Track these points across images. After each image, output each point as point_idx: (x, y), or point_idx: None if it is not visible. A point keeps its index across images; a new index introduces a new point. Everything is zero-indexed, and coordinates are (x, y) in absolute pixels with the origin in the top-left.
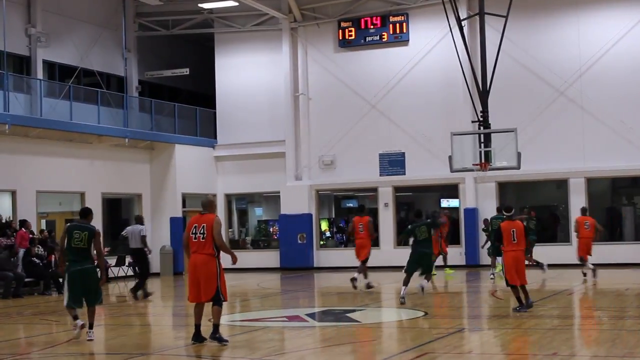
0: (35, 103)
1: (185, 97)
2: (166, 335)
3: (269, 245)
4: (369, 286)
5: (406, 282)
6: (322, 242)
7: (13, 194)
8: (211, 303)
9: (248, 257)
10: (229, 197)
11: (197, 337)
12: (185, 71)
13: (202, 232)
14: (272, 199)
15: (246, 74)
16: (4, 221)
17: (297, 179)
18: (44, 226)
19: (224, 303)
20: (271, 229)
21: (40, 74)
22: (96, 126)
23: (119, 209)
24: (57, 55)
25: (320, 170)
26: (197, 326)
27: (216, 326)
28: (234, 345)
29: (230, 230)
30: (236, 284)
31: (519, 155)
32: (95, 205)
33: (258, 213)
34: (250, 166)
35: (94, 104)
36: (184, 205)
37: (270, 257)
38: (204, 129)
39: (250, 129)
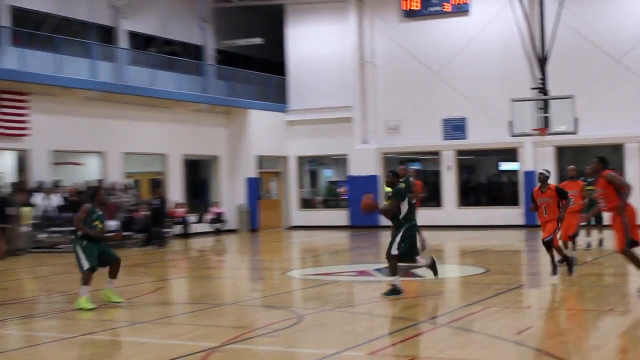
0: (120, 71)
1: (258, 65)
2: (243, 287)
3: (337, 204)
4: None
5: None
6: (386, 202)
7: (102, 155)
8: None
9: (319, 216)
10: (300, 159)
11: None
12: (259, 40)
13: None
14: (340, 161)
15: (315, 43)
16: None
17: (364, 143)
18: (131, 184)
19: None
20: (339, 190)
21: (124, 43)
22: (176, 92)
23: (198, 170)
24: (139, 25)
25: (386, 134)
26: None
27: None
28: (307, 297)
29: (301, 190)
30: (308, 241)
31: (576, 120)
32: (176, 166)
33: (327, 174)
34: (320, 130)
35: (173, 71)
36: (258, 166)
37: (339, 216)
38: (276, 95)
39: (319, 95)
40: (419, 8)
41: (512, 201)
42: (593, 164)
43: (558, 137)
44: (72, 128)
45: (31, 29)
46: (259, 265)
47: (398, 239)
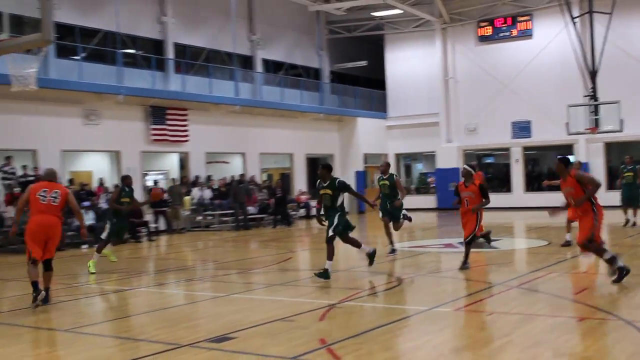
0: (257, 90)
1: (363, 82)
2: (353, 257)
3: (427, 191)
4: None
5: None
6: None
7: (243, 155)
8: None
9: (412, 200)
10: (397, 156)
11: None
12: (364, 63)
13: (54, 196)
14: (429, 157)
15: (409, 64)
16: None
17: (448, 142)
18: (265, 178)
19: None
20: (429, 179)
21: (259, 68)
22: (300, 105)
23: (318, 166)
24: (271, 54)
25: (466, 135)
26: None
27: (47, 289)
28: (404, 265)
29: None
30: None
31: (621, 121)
32: (300, 163)
33: (419, 167)
34: (413, 132)
35: (297, 89)
36: (365, 162)
37: (428, 200)
38: (378, 105)
39: (412, 105)
40: (491, 34)
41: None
42: (555, 164)
43: (606, 135)
44: (221, 134)
45: (189, 59)
46: (366, 240)
47: (335, 221)
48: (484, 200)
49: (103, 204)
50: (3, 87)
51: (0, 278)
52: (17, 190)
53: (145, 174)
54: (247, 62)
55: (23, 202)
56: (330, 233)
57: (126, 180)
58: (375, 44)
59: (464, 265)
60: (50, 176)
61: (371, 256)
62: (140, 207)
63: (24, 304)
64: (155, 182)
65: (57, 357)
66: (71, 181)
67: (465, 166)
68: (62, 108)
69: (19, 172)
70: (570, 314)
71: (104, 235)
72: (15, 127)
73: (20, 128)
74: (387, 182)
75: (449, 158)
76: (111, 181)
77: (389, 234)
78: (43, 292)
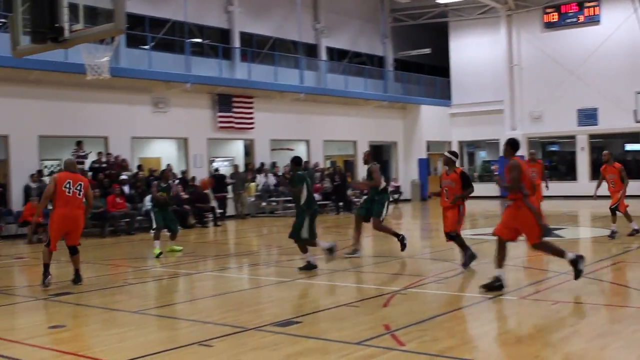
0: (321, 78)
1: (427, 69)
2: (416, 244)
3: (490, 179)
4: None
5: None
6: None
7: (307, 142)
8: (71, 249)
9: (475, 188)
10: (461, 143)
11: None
12: (427, 50)
13: (78, 188)
14: (492, 144)
15: (473, 51)
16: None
17: (513, 129)
18: (328, 164)
19: None
20: (492, 167)
21: (324, 56)
22: (363, 93)
23: (381, 153)
24: (335, 42)
25: (530, 122)
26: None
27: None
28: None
29: (462, 167)
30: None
31: None
32: (364, 150)
33: (482, 155)
34: (476, 120)
35: (361, 77)
36: (427, 150)
37: (491, 188)
38: (441, 93)
39: (476, 92)
40: (557, 20)
41: (637, 175)
42: (504, 147)
43: None
44: (285, 122)
45: (255, 48)
46: (428, 227)
47: (305, 225)
48: (465, 190)
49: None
50: (77, 76)
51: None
52: (89, 176)
53: (212, 161)
54: (311, 50)
55: (50, 192)
56: (305, 236)
57: (163, 175)
58: (440, 32)
59: (468, 259)
60: (71, 167)
61: (331, 250)
62: (183, 200)
63: (97, 285)
64: (216, 170)
65: (127, 337)
66: (140, 167)
67: (446, 153)
68: (132, 96)
69: (93, 158)
70: (639, 305)
71: (153, 225)
72: (88, 115)
73: (92, 115)
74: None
75: None
76: (178, 167)
77: (357, 231)
78: (50, 276)
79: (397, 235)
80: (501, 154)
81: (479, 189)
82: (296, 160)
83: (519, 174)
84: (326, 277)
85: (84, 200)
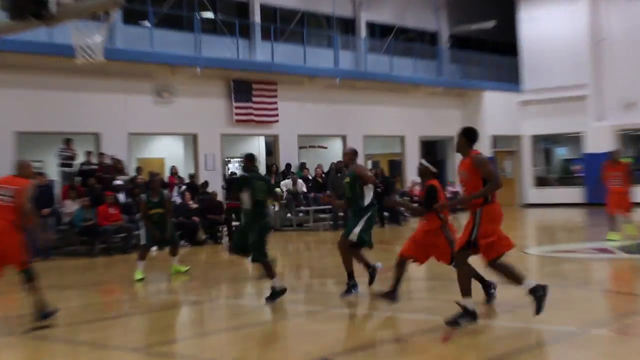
0: (360, 59)
1: (490, 47)
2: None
3: (572, 182)
4: None
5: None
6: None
7: (344, 138)
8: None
9: (553, 193)
10: (534, 138)
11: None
12: (491, 24)
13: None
14: (574, 139)
15: (548, 23)
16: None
17: (600, 120)
18: (371, 166)
19: None
20: (574, 168)
21: (363, 33)
22: (412, 77)
23: (434, 151)
24: (377, 16)
25: (623, 111)
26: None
27: None
28: (544, 274)
29: (536, 168)
30: (543, 219)
31: None
32: (414, 148)
33: (561, 152)
34: (554, 109)
35: (409, 57)
36: (493, 146)
37: (574, 193)
38: (509, 76)
39: (552, 75)
40: None
41: None
42: (458, 139)
43: None
44: (317, 114)
45: (279, 24)
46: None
47: (266, 242)
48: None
49: (176, 197)
50: (64, 59)
51: (57, 285)
52: (77, 182)
53: (227, 162)
54: (348, 26)
55: None
56: (266, 257)
57: (152, 185)
58: (505, 1)
59: (491, 294)
60: (20, 170)
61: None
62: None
63: (84, 317)
64: (233, 173)
65: None
66: (139, 170)
67: (422, 161)
68: (129, 83)
69: (81, 159)
70: None
71: (141, 241)
72: (76, 107)
73: (81, 107)
74: (348, 180)
75: (601, 140)
76: (186, 170)
77: (353, 262)
78: None
79: (368, 266)
80: (585, 150)
81: (559, 194)
82: (250, 157)
83: (488, 167)
84: (367, 305)
85: (20, 207)
